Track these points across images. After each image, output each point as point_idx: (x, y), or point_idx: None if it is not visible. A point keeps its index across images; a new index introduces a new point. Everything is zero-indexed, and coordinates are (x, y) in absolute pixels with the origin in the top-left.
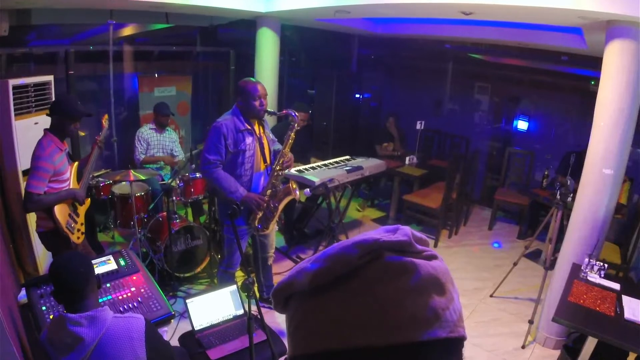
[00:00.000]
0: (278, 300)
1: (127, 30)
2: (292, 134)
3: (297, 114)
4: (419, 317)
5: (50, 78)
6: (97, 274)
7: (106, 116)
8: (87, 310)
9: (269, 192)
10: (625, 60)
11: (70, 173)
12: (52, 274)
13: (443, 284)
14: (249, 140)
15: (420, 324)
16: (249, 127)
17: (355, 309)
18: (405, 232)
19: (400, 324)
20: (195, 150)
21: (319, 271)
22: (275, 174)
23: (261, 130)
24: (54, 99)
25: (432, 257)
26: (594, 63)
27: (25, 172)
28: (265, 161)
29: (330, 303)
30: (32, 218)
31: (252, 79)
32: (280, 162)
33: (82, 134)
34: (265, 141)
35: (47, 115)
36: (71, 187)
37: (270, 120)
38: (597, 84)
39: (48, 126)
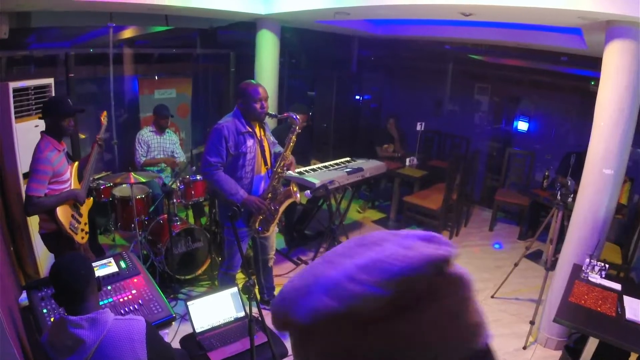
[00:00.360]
0: (305, 333)
1: (127, 33)
2: (294, 137)
3: (298, 117)
4: (478, 323)
5: (50, 81)
6: (98, 276)
7: (105, 113)
8: (88, 312)
9: (269, 194)
10: (625, 60)
11: (71, 173)
12: (53, 276)
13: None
14: (249, 142)
15: (480, 329)
16: (250, 130)
17: (433, 327)
18: (447, 240)
19: (475, 332)
20: (195, 150)
21: (395, 297)
22: (276, 176)
23: (262, 133)
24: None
25: None
26: (594, 63)
27: (25, 175)
28: (266, 164)
29: (408, 327)
30: (32, 219)
31: (252, 81)
32: (282, 164)
33: (82, 136)
34: (266, 144)
35: (40, 118)
36: (72, 187)
37: (270, 123)
38: (597, 84)
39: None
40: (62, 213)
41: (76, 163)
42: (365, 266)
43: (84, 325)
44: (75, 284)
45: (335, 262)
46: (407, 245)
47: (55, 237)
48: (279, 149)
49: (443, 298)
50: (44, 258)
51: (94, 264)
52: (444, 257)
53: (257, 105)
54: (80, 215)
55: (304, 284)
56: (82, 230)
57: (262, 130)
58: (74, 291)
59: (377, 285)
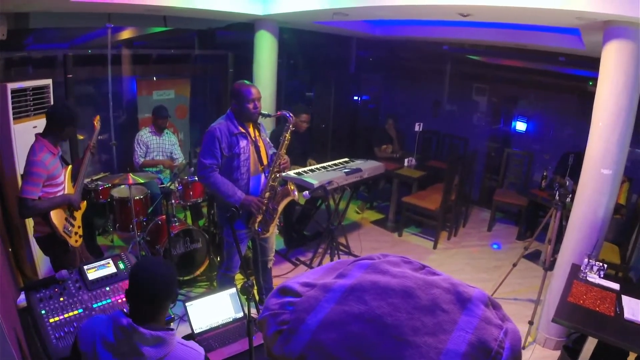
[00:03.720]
0: None
1: (126, 34)
2: (288, 135)
3: (294, 116)
4: None
5: (48, 82)
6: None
7: (98, 117)
8: (157, 327)
9: (267, 194)
10: (623, 60)
11: (65, 177)
12: (142, 279)
13: None
14: (243, 143)
15: None
16: (243, 131)
17: None
18: (495, 302)
19: None
20: (193, 154)
21: None
22: (273, 176)
23: (256, 134)
24: (51, 103)
25: None
26: (592, 63)
27: (23, 177)
28: (262, 164)
29: None
30: (30, 221)
31: (246, 81)
32: (278, 163)
33: (80, 137)
34: (261, 144)
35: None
36: (66, 190)
37: (269, 124)
38: (595, 85)
39: (41, 131)
40: (56, 216)
41: (70, 166)
42: (468, 354)
43: (150, 342)
44: (161, 297)
45: (412, 343)
46: (486, 318)
47: (50, 240)
48: (274, 151)
49: None
50: (41, 260)
51: (91, 265)
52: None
53: (250, 106)
54: (74, 218)
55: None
56: (76, 233)
57: (256, 130)
58: (156, 303)
59: None
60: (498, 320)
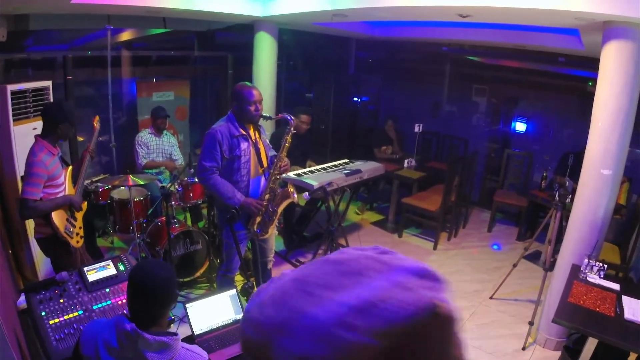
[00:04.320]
0: None
1: (125, 36)
2: (289, 138)
3: (294, 118)
4: (461, 355)
5: (48, 83)
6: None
7: (97, 118)
8: (159, 332)
9: (267, 196)
10: (622, 60)
11: (65, 177)
12: (142, 282)
13: None
14: (244, 145)
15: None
16: (244, 133)
17: None
18: (439, 276)
19: None
20: (193, 155)
21: (387, 347)
22: (273, 178)
23: (257, 136)
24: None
25: None
26: (591, 64)
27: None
28: (262, 166)
29: None
30: (30, 223)
31: (247, 83)
32: (278, 166)
33: (80, 138)
34: (261, 146)
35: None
36: (67, 191)
37: (269, 126)
38: (594, 85)
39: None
40: (58, 217)
41: (70, 167)
42: (357, 309)
43: (154, 347)
44: (162, 300)
45: (317, 296)
46: (402, 283)
47: (51, 242)
48: (273, 152)
49: (433, 340)
50: (41, 262)
51: (91, 267)
52: (442, 301)
53: (252, 108)
54: (75, 219)
55: (283, 318)
56: (77, 234)
57: (257, 132)
58: (157, 306)
59: (371, 334)
60: (422, 289)
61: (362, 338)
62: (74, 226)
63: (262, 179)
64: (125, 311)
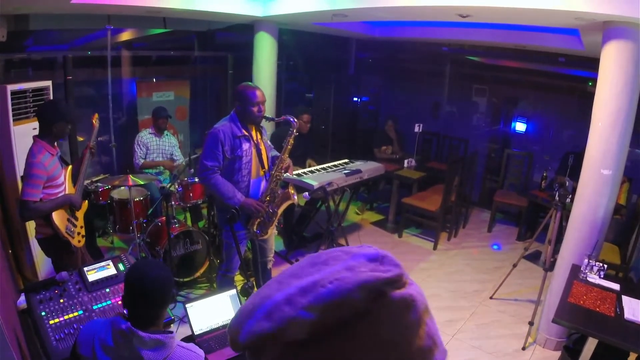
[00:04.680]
0: (252, 352)
1: (125, 36)
2: (291, 140)
3: (295, 120)
4: (424, 349)
5: (48, 83)
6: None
7: (96, 115)
8: (156, 329)
9: (267, 197)
10: (622, 61)
11: (65, 177)
12: (137, 281)
13: (428, 307)
14: (245, 146)
15: (426, 355)
16: (246, 133)
17: (364, 354)
18: (394, 260)
19: (424, 358)
20: (194, 156)
21: (319, 321)
22: (274, 179)
23: (258, 136)
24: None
25: (409, 280)
26: (591, 64)
27: (23, 179)
28: (263, 167)
29: (334, 351)
30: (30, 223)
31: (250, 83)
32: (279, 167)
33: (80, 138)
34: (262, 147)
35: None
36: (67, 191)
37: (269, 126)
38: (594, 85)
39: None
40: (58, 217)
41: (70, 167)
42: (303, 288)
43: (149, 345)
44: (157, 301)
45: (284, 283)
46: (349, 266)
47: (52, 242)
48: (275, 153)
49: (379, 324)
50: (41, 262)
51: (91, 267)
52: (383, 280)
53: (255, 109)
54: (76, 218)
55: (253, 304)
56: (79, 233)
57: (258, 133)
58: (153, 306)
59: (306, 308)
60: (369, 271)
61: (299, 312)
62: (75, 226)
63: (263, 180)
64: (123, 311)
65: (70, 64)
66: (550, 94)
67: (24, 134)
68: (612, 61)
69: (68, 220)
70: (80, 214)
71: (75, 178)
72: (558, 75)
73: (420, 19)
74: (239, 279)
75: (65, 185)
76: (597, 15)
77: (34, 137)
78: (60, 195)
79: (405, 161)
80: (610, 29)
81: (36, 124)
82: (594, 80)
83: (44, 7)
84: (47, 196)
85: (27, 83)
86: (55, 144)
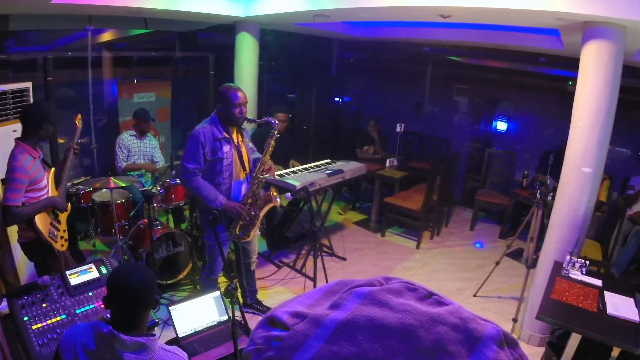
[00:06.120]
0: None
1: (106, 36)
2: (272, 142)
3: (276, 121)
4: None
5: (28, 85)
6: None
7: (79, 116)
8: (139, 333)
9: (249, 199)
10: (601, 60)
11: (48, 180)
12: (118, 285)
13: None
14: (226, 148)
15: None
16: (227, 136)
17: None
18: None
19: None
20: (176, 162)
21: None
22: (256, 181)
23: (239, 138)
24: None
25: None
26: (571, 63)
27: (4, 182)
28: (244, 169)
29: None
30: (12, 227)
31: (232, 85)
32: (261, 169)
33: (61, 141)
34: (244, 149)
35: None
36: (50, 194)
37: (248, 127)
38: (574, 84)
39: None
40: (41, 221)
41: (53, 169)
42: None
43: (131, 348)
44: (139, 304)
45: None
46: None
47: (35, 246)
48: (257, 155)
49: None
50: (23, 266)
51: (74, 270)
52: None
53: (236, 110)
54: (59, 222)
55: None
56: (62, 237)
57: (239, 135)
58: (134, 310)
59: None
60: None
61: None
62: (57, 229)
63: (244, 183)
64: (106, 315)
65: (51, 65)
66: (531, 93)
67: (3, 136)
68: (591, 61)
69: (51, 224)
70: (63, 218)
71: (58, 180)
72: (539, 74)
73: (402, 19)
74: (222, 280)
75: (48, 188)
76: (577, 16)
77: (16, 139)
78: (43, 198)
79: (388, 161)
80: (590, 29)
81: (16, 126)
82: (574, 80)
83: (24, 7)
84: (29, 200)
85: (7, 84)
86: (37, 146)
